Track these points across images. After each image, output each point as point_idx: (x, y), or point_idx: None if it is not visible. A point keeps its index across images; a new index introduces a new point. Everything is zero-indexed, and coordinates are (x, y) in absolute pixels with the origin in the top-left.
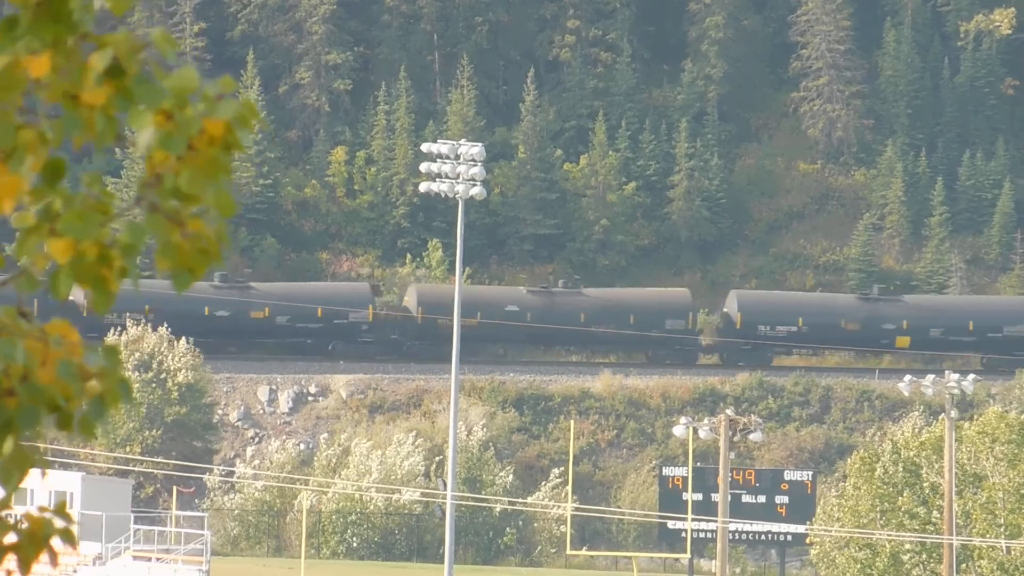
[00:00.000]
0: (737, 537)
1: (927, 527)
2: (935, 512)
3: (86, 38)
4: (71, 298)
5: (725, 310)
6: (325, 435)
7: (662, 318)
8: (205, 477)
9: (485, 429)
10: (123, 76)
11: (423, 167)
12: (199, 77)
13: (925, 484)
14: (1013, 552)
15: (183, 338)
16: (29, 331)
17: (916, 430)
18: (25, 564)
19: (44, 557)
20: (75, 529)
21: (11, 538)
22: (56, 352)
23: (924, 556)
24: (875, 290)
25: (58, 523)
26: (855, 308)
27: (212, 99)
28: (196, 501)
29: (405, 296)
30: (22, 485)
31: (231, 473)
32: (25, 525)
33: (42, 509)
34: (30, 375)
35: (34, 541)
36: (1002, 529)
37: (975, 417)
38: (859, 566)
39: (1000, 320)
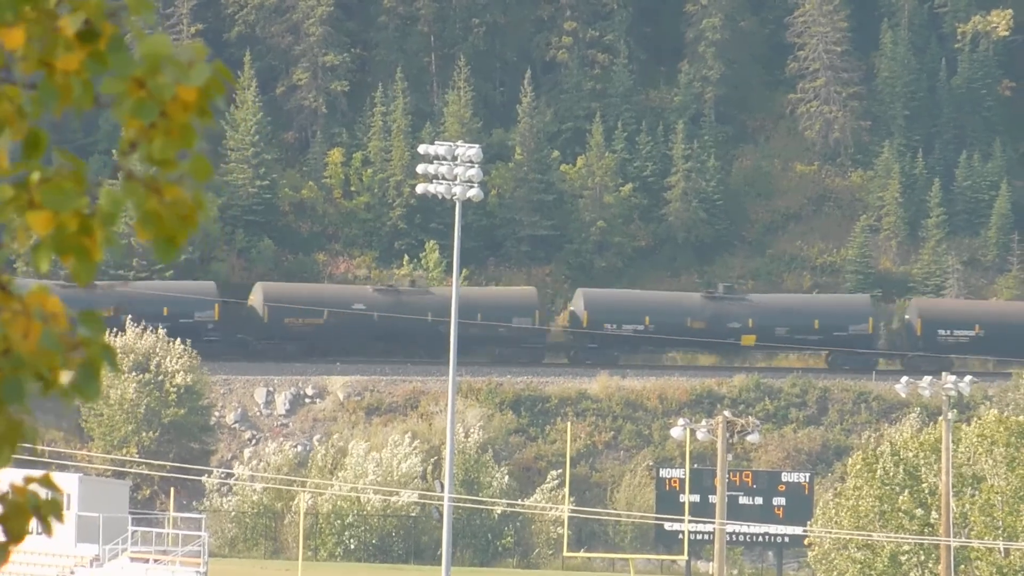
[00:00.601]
0: (734, 539)
1: (925, 529)
2: (933, 513)
3: (60, 2)
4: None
5: (571, 308)
6: (319, 436)
7: (509, 316)
8: (204, 479)
9: (482, 431)
10: (96, 40)
11: (420, 168)
12: (171, 43)
13: (924, 485)
14: (1011, 555)
15: (178, 339)
16: (9, 303)
17: (915, 431)
18: (16, 534)
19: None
20: (61, 499)
21: None
22: (38, 325)
23: (923, 557)
24: (720, 288)
25: (43, 493)
26: (701, 307)
27: (185, 66)
28: (195, 503)
29: (251, 294)
30: (16, 483)
31: (230, 475)
32: (11, 496)
33: (27, 480)
34: (12, 347)
35: (20, 511)
36: (1000, 531)
37: (972, 419)
38: (858, 567)
39: (845, 319)
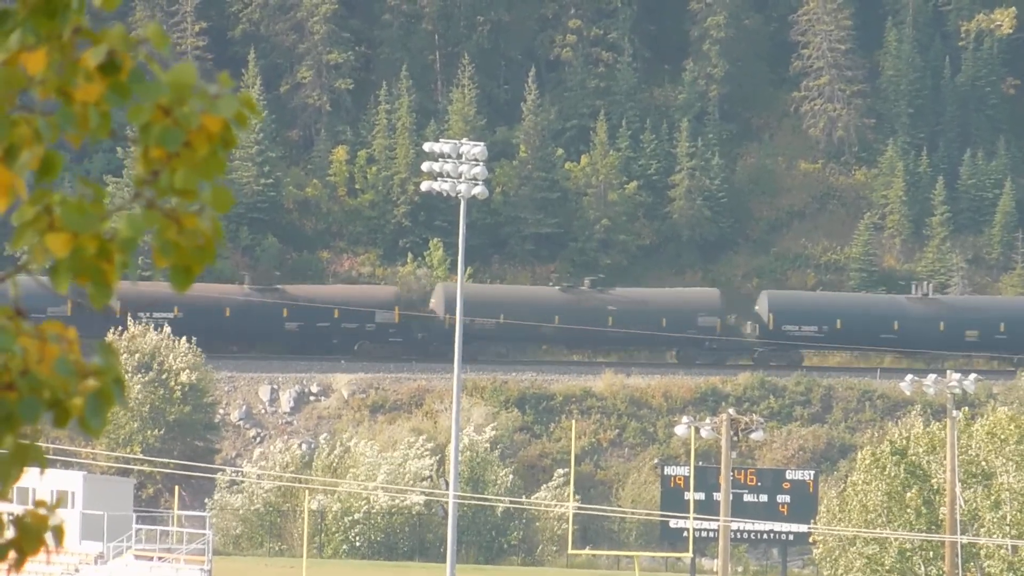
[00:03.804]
0: (739, 536)
1: (931, 527)
2: (943, 510)
3: (80, 34)
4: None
5: (756, 308)
6: (325, 435)
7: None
8: (217, 476)
9: (493, 429)
10: (117, 72)
11: (424, 166)
12: (196, 72)
13: (933, 482)
14: (1020, 552)
15: (183, 337)
16: (25, 329)
17: (923, 428)
18: (19, 562)
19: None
20: (65, 526)
21: (10, 534)
22: (53, 349)
23: (931, 554)
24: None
25: (54, 519)
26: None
27: (210, 96)
28: (206, 500)
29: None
30: (22, 482)
31: (238, 474)
32: (27, 520)
33: (39, 504)
34: (30, 368)
35: (34, 537)
36: (1009, 529)
37: (977, 417)
38: (864, 561)
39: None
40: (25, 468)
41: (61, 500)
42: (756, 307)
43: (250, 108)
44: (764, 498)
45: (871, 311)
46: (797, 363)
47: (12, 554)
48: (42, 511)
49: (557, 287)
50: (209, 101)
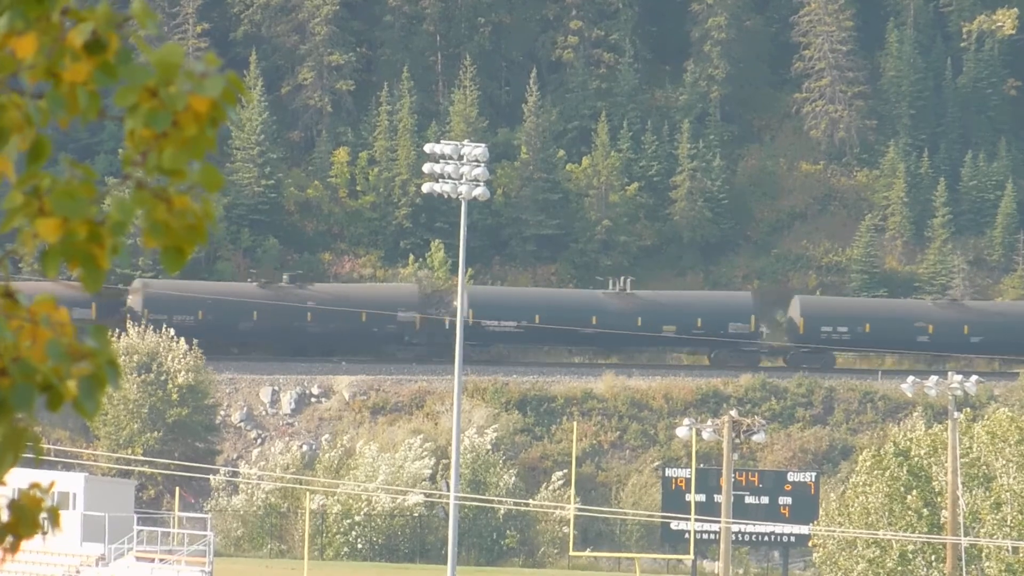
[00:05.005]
0: (740, 538)
1: (933, 529)
2: (944, 512)
3: (67, 14)
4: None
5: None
6: (327, 436)
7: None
8: (212, 478)
9: (496, 432)
10: (104, 51)
11: (426, 168)
12: (183, 52)
13: (934, 484)
14: (1021, 552)
15: (182, 339)
16: (16, 311)
17: (925, 430)
18: (15, 545)
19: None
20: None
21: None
22: (45, 332)
23: (932, 556)
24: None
25: (48, 502)
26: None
27: (197, 76)
28: (203, 502)
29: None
30: (21, 486)
31: (236, 474)
32: (22, 503)
33: (33, 485)
34: (22, 354)
35: (29, 520)
36: (1010, 531)
37: (978, 418)
38: (865, 563)
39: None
40: (21, 453)
41: (54, 484)
42: (455, 303)
43: (237, 87)
44: (765, 500)
45: (569, 306)
46: (497, 359)
47: (8, 537)
48: (37, 494)
49: (255, 283)
50: (196, 81)
